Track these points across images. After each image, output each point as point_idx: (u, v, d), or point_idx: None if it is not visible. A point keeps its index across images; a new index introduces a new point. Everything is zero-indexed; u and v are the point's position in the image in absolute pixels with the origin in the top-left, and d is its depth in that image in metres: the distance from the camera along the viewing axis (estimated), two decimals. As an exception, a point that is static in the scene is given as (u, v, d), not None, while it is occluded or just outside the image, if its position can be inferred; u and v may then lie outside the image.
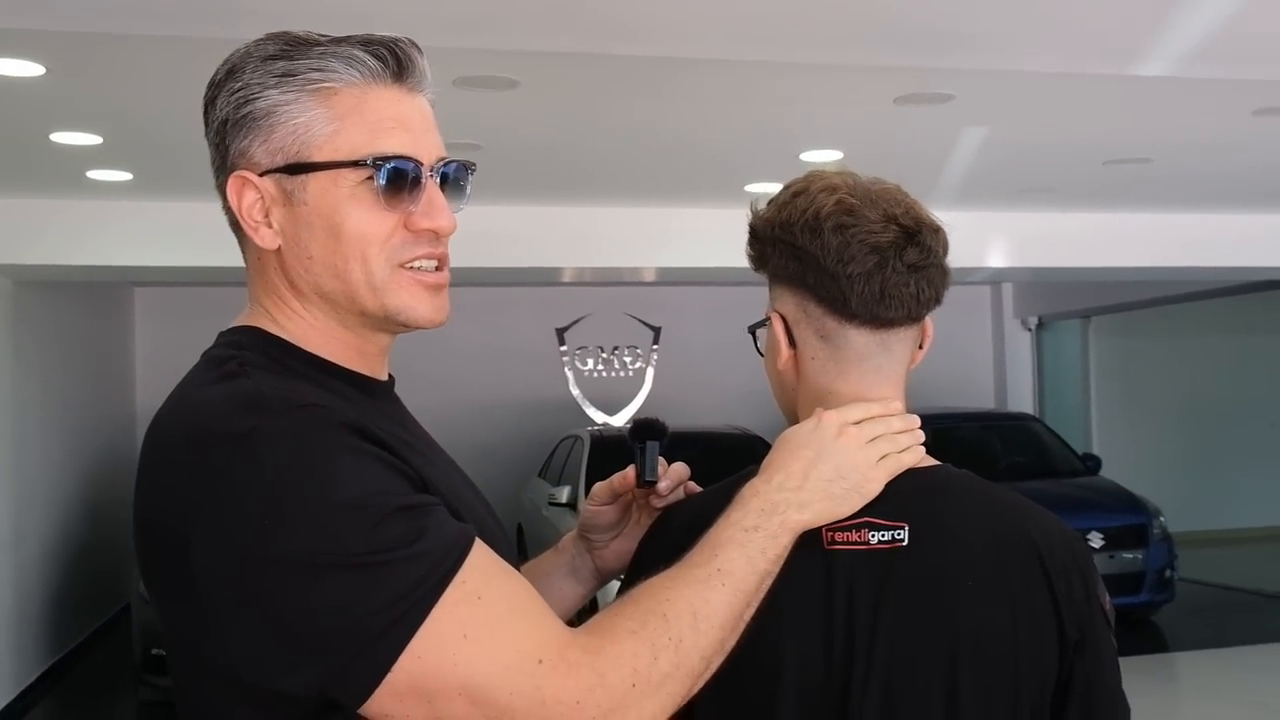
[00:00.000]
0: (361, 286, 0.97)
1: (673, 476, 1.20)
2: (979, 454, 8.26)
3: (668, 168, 5.04)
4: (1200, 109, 4.13)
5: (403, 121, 0.98)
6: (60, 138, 4.20)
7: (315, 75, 0.96)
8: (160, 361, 8.49)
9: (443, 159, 1.01)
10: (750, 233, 1.16)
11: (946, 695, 1.05)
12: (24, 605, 6.08)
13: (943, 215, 5.16)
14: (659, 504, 1.20)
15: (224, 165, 0.99)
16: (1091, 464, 8.07)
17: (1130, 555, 6.89)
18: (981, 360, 10.84)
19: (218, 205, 1.03)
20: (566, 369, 9.28)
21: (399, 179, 0.96)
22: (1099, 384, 10.64)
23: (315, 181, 0.96)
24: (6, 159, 4.58)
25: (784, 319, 1.14)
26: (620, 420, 9.13)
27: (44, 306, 6.46)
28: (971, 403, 10.18)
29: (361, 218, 0.96)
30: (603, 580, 1.26)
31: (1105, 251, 6.54)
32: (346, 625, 0.83)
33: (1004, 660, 1.06)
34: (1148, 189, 5.66)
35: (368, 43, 0.98)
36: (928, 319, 1.18)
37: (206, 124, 1.00)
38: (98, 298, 7.76)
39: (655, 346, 9.37)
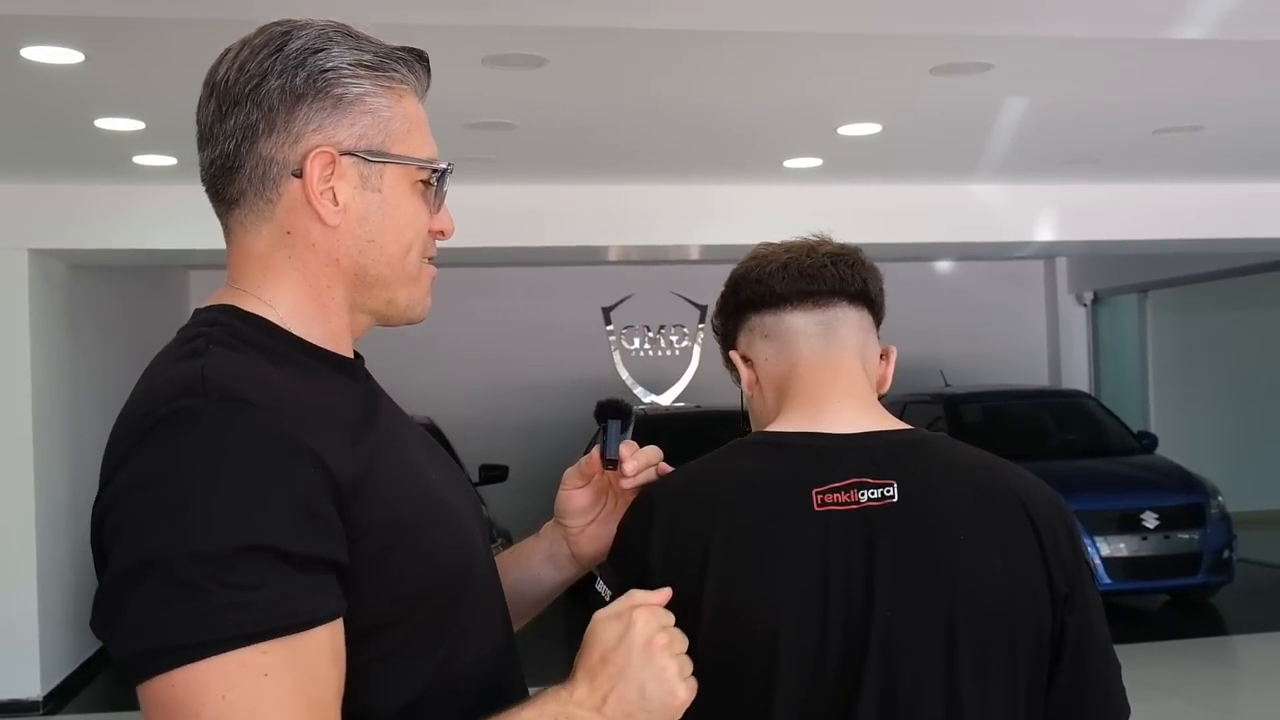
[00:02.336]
0: (401, 274, 1.03)
1: (641, 459, 1.20)
2: (1031, 432, 8.13)
3: (705, 144, 5.00)
4: (1249, 73, 4.00)
5: (431, 132, 1.06)
6: (104, 124, 4.28)
7: (396, 75, 1.02)
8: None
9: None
10: (715, 331, 1.31)
11: (947, 647, 1.07)
12: (82, 581, 6.25)
13: (987, 188, 5.14)
14: (627, 485, 1.21)
15: (280, 133, 0.98)
16: (1147, 442, 7.90)
17: (1186, 536, 6.73)
18: (1035, 336, 10.65)
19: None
20: (613, 348, 9.29)
21: (442, 181, 1.05)
22: (1156, 360, 10.39)
23: (390, 172, 1.01)
24: (54, 145, 4.69)
25: (740, 354, 1.26)
26: (667, 399, 9.12)
27: (99, 290, 6.62)
28: (1024, 379, 10.01)
29: (418, 211, 1.03)
30: (581, 567, 1.26)
31: (1158, 223, 6.37)
32: (151, 623, 0.83)
33: (999, 612, 1.08)
34: (1200, 158, 5.50)
35: (420, 58, 1.05)
36: (890, 347, 1.26)
37: (257, 89, 0.98)
38: (152, 281, 7.92)
39: (701, 325, 9.33)
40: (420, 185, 1.03)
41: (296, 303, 1.00)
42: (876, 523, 1.08)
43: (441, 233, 1.07)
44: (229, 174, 1.00)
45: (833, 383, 1.18)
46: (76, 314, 6.18)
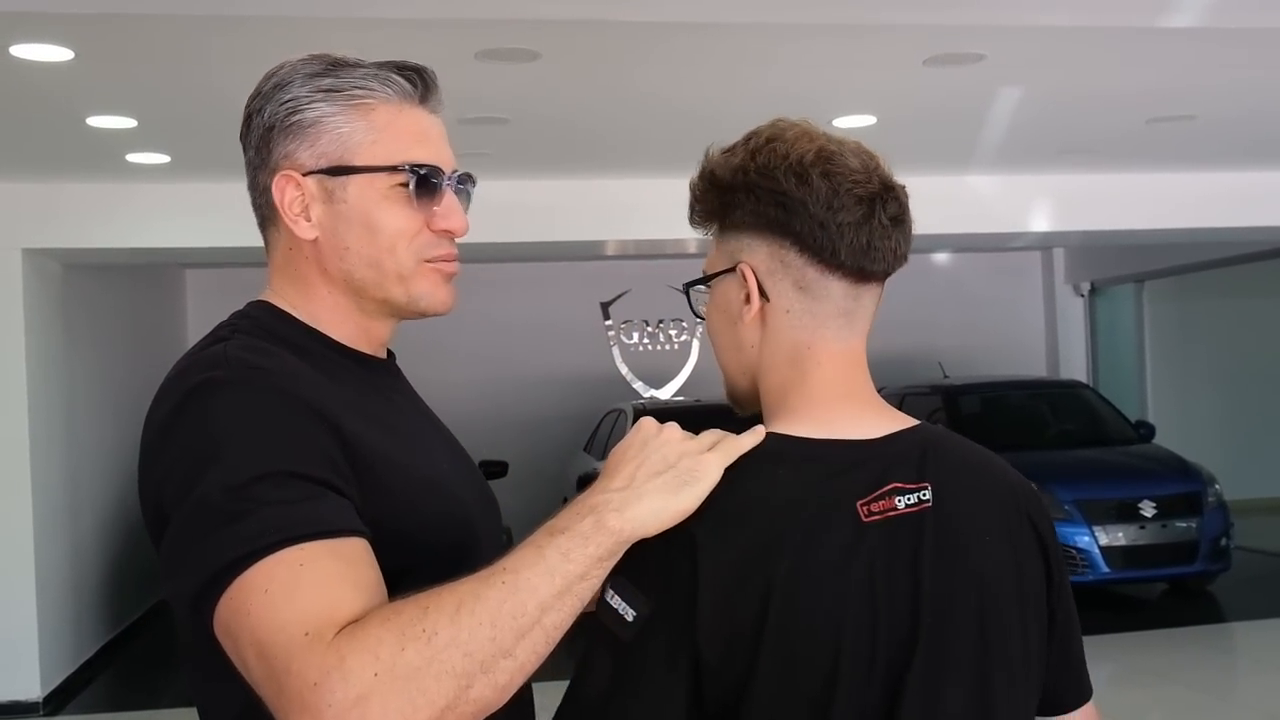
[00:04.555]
0: (391, 275, 1.10)
1: None
2: (1029, 422, 8.13)
3: (699, 136, 4.93)
4: (1241, 61, 3.99)
5: (427, 136, 1.12)
6: (96, 121, 4.27)
7: (358, 92, 1.09)
8: (211, 342, 8.64)
9: (455, 170, 1.14)
10: (710, 181, 1.10)
11: (977, 649, 1.05)
12: (80, 581, 6.24)
13: (982, 179, 5.14)
14: None
15: (266, 165, 1.11)
16: (1144, 431, 7.90)
17: (1184, 524, 6.73)
18: (1032, 327, 10.65)
19: None
20: (611, 343, 9.28)
21: (426, 184, 1.10)
22: (1154, 349, 10.40)
23: (355, 183, 1.09)
24: (46, 144, 4.68)
25: (750, 267, 1.08)
26: (666, 394, 9.11)
27: (94, 289, 6.60)
28: (1022, 370, 10.01)
29: (394, 216, 1.09)
30: None
31: (1153, 212, 6.37)
32: (205, 554, 0.92)
33: (1015, 608, 1.09)
34: (1195, 146, 5.50)
35: (401, 67, 1.11)
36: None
37: (248, 129, 1.13)
38: (149, 280, 7.91)
39: (700, 320, 9.32)
40: (399, 189, 1.09)
41: (311, 306, 1.13)
42: (916, 529, 1.05)
43: (448, 231, 1.11)
44: (253, 203, 1.16)
45: (849, 378, 1.11)
46: (71, 313, 6.16)
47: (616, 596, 1.00)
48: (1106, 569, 6.59)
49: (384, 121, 1.08)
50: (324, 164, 1.08)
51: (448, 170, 1.12)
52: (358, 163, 1.08)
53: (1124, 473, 7.09)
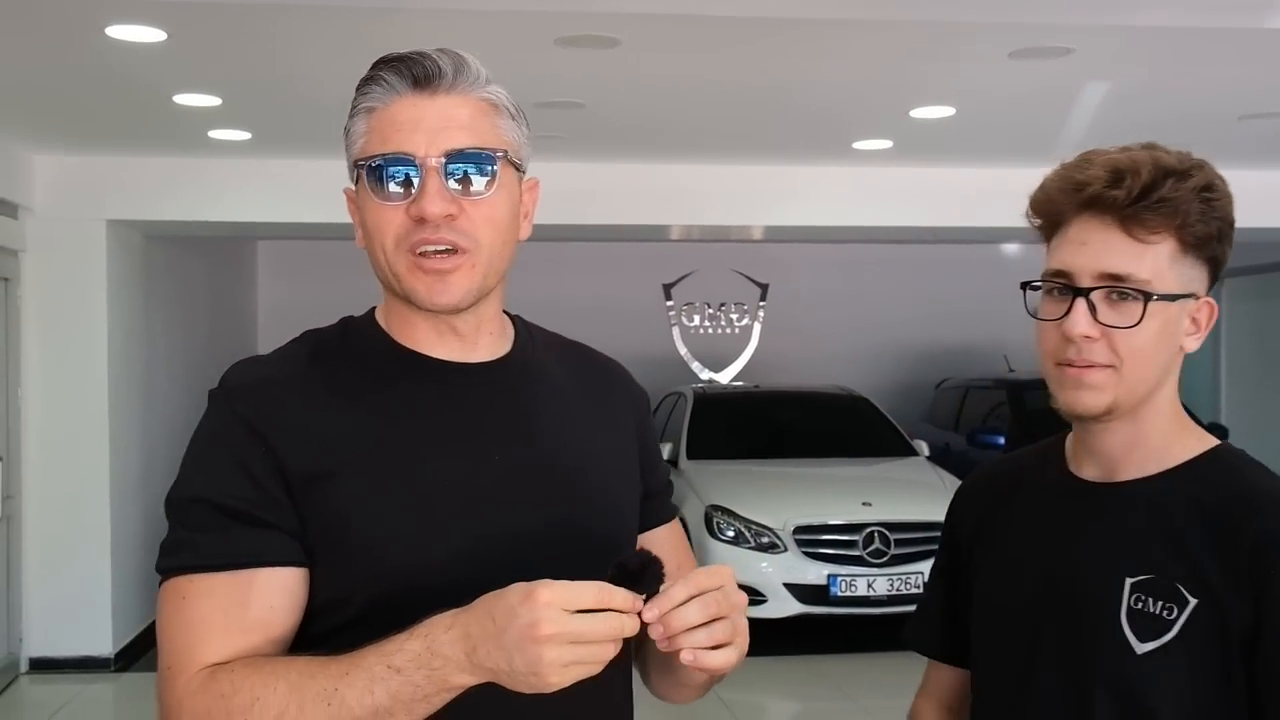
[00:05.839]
0: (388, 273, 1.11)
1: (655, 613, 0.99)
2: (1096, 420, 7.95)
3: (774, 125, 4.95)
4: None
5: (414, 123, 1.08)
6: (182, 99, 4.36)
7: (361, 98, 1.11)
8: (280, 310, 8.79)
9: (450, 151, 1.08)
10: (1218, 215, 1.19)
11: None
12: (152, 543, 6.30)
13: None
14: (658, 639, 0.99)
15: None
16: (1218, 433, 7.69)
17: (1256, 530, 6.56)
18: (1103, 322, 10.43)
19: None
20: (672, 324, 9.28)
21: (380, 174, 1.08)
22: (1230, 349, 10.13)
23: (360, 187, 1.11)
24: (133, 120, 4.78)
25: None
26: (725, 377, 9.09)
27: (173, 259, 6.75)
28: (1091, 366, 9.81)
29: (370, 213, 1.10)
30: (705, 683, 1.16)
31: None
32: (160, 550, 1.10)
33: None
34: (1287, 145, 5.33)
35: (387, 60, 1.10)
36: None
37: None
38: (223, 251, 8.07)
39: (762, 303, 9.29)
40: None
41: (385, 312, 1.18)
42: None
43: (420, 219, 1.07)
44: None
45: None
46: (152, 282, 6.32)
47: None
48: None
49: (375, 121, 1.09)
50: (352, 174, 1.12)
51: (433, 153, 1.06)
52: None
53: (1195, 475, 6.92)
